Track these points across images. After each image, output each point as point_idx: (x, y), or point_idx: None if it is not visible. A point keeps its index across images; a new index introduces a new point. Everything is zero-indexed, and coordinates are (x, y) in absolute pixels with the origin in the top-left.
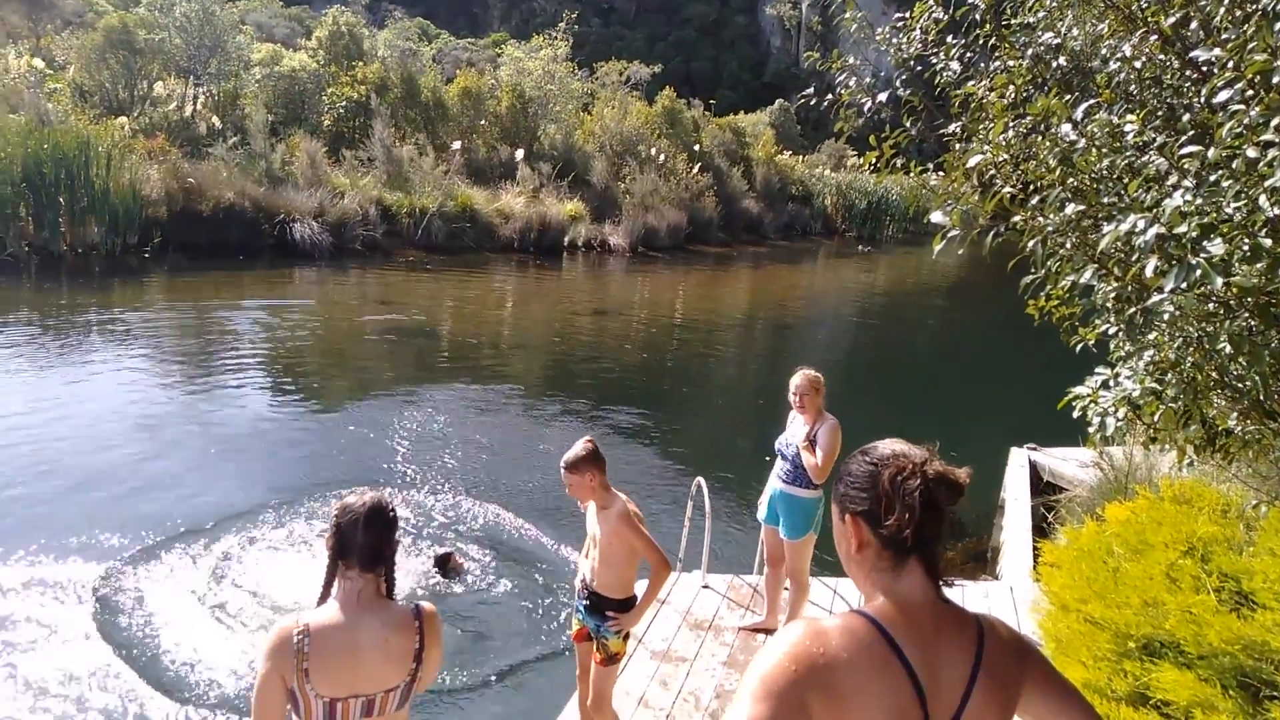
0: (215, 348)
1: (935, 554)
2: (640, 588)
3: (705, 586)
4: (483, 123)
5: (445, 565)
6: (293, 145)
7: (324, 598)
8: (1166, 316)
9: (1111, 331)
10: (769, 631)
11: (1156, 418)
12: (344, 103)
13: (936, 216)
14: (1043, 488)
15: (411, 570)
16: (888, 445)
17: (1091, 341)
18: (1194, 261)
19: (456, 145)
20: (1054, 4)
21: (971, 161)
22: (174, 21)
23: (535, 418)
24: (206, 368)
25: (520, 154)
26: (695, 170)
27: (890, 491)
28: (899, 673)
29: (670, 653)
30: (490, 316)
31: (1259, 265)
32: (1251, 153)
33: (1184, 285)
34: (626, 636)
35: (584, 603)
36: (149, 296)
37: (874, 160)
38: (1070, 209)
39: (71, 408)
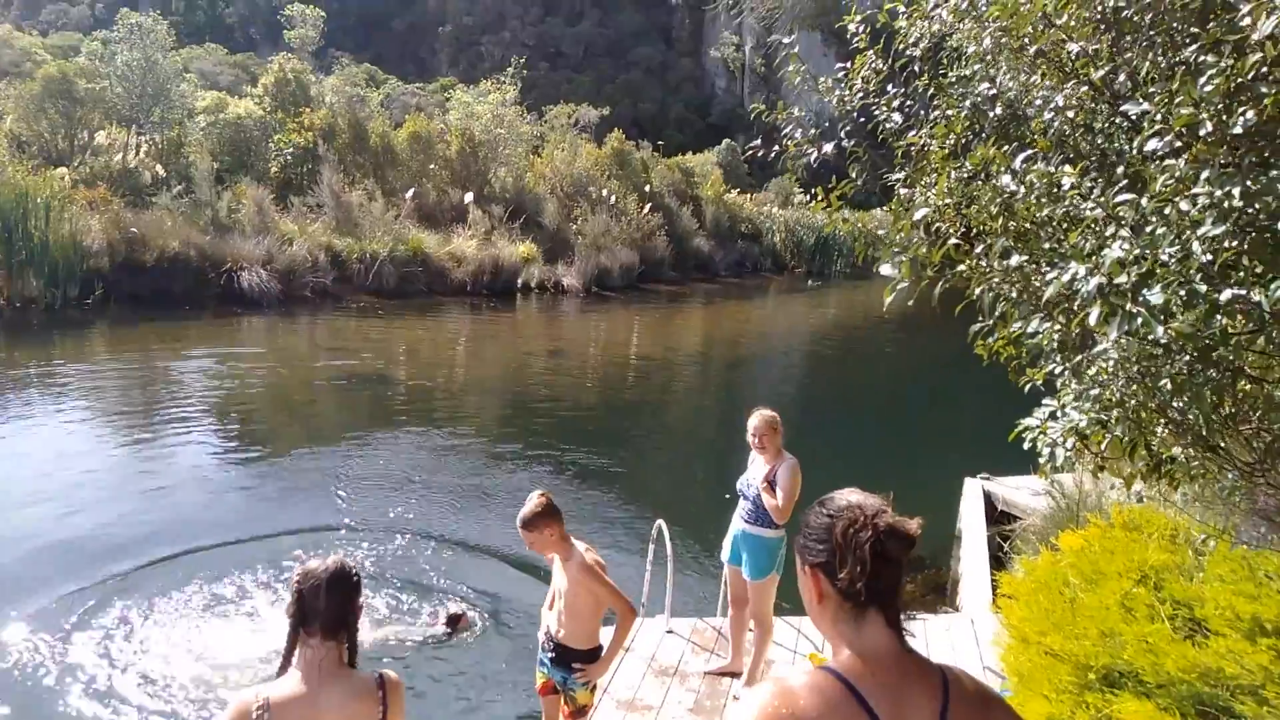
0: (160, 399)
1: (895, 605)
2: (605, 636)
3: (669, 631)
4: (432, 167)
5: (456, 624)
6: (239, 193)
7: (284, 667)
8: (1105, 362)
9: (1058, 372)
10: (734, 675)
11: (1103, 447)
12: (291, 149)
13: (886, 269)
14: (997, 517)
15: (364, 627)
16: (844, 496)
17: (1039, 381)
18: (1135, 310)
19: (410, 193)
20: (988, 57)
21: (918, 214)
22: (115, 70)
23: (493, 462)
24: (150, 420)
25: (471, 197)
26: (646, 210)
27: (843, 544)
28: None
29: (636, 701)
30: (444, 360)
31: (1197, 311)
32: (1184, 205)
33: (1127, 333)
34: (594, 688)
35: (549, 655)
36: (91, 349)
37: (821, 207)
38: (1014, 259)
39: (6, 464)
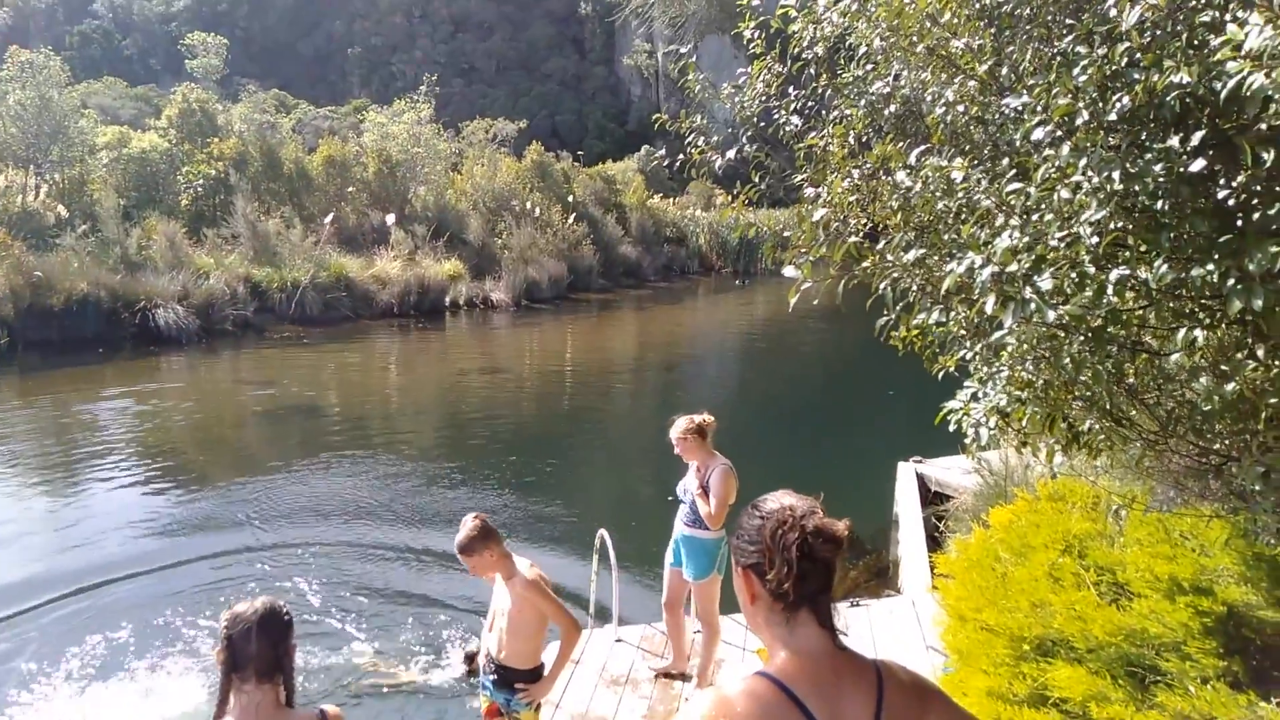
0: (76, 443)
1: (826, 605)
2: (548, 655)
3: (619, 640)
4: (350, 190)
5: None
6: (149, 228)
7: (219, 715)
8: (1011, 345)
9: (969, 357)
10: (680, 675)
11: (1024, 423)
12: (201, 180)
13: (789, 271)
14: (931, 498)
15: (314, 667)
16: (776, 499)
17: (952, 367)
18: (1027, 296)
19: (329, 217)
20: (880, 57)
21: (816, 216)
22: (7, 110)
23: (431, 483)
24: (67, 464)
25: (392, 218)
26: (571, 220)
27: (772, 545)
28: None
29: (588, 714)
30: (376, 385)
31: (1087, 292)
32: (1065, 193)
33: (1021, 319)
34: (538, 707)
35: (491, 678)
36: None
37: (730, 212)
38: (913, 253)
39: None
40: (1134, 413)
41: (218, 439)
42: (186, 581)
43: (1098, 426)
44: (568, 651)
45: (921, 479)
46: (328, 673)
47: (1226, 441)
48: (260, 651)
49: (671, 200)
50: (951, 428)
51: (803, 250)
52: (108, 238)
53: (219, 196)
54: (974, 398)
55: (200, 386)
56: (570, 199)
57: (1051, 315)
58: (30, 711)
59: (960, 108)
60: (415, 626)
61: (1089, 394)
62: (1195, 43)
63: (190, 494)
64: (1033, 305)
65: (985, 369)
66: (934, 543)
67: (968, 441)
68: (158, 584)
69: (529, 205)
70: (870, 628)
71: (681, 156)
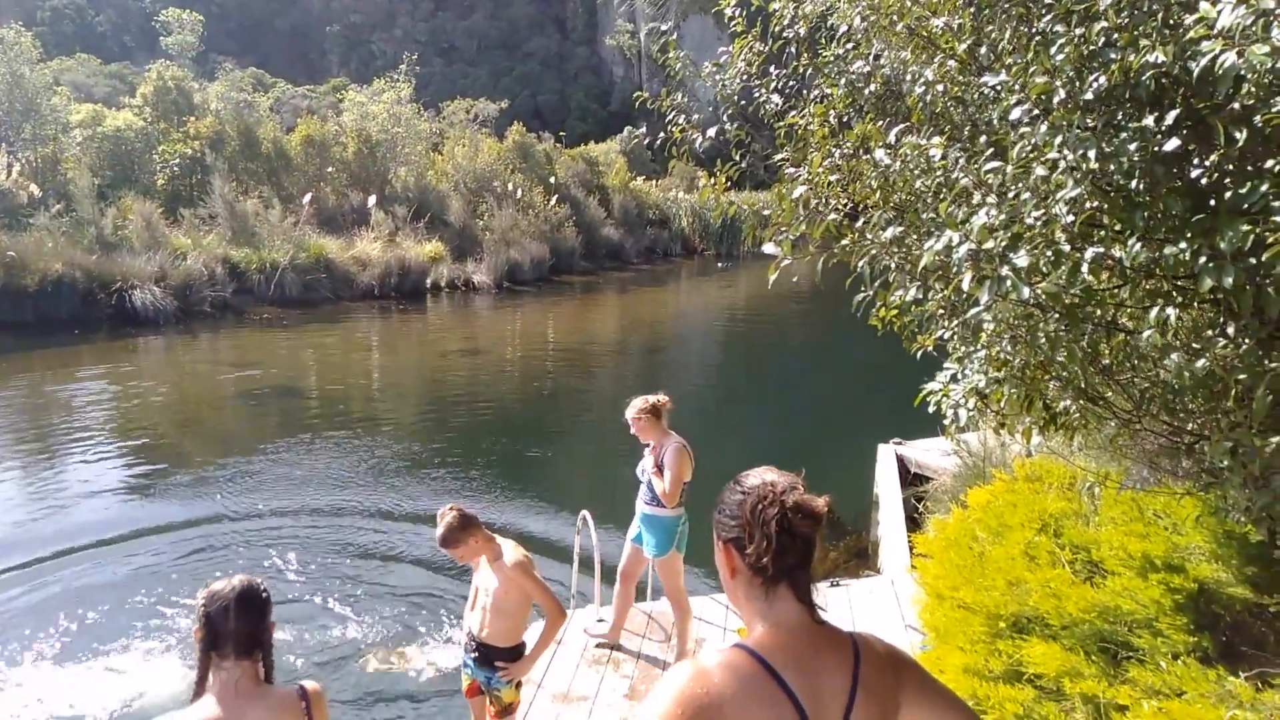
0: (51, 425)
1: (805, 579)
2: (530, 635)
3: (600, 620)
4: (330, 170)
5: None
6: (125, 208)
7: (199, 693)
8: (988, 325)
9: (947, 336)
10: (614, 646)
11: (1002, 404)
12: (178, 160)
13: (769, 248)
14: (911, 479)
15: (293, 645)
16: (758, 474)
17: (930, 346)
18: (1003, 273)
19: (308, 198)
20: (861, 36)
21: (795, 193)
22: None
23: (413, 465)
24: (43, 447)
25: (372, 199)
26: (553, 202)
27: (752, 520)
28: (783, 701)
29: (570, 693)
30: (356, 367)
31: (1062, 270)
32: (1040, 170)
33: (997, 296)
34: (519, 685)
35: (472, 656)
36: None
37: (710, 192)
38: (891, 231)
39: None
40: (1109, 392)
41: (196, 420)
42: (163, 559)
43: (1073, 406)
44: (551, 634)
45: (901, 460)
46: (307, 650)
47: (1199, 420)
48: (238, 629)
49: (654, 182)
50: (931, 409)
51: (782, 228)
52: (82, 218)
53: (196, 176)
54: (953, 379)
55: (178, 368)
56: (552, 180)
57: (1026, 292)
58: (6, 686)
59: (940, 87)
60: (396, 605)
61: (1065, 373)
62: (1170, 22)
63: (167, 474)
64: (1008, 283)
65: (963, 348)
66: (913, 523)
67: (947, 423)
68: (132, 561)
69: (511, 187)
70: (850, 607)
71: (663, 135)
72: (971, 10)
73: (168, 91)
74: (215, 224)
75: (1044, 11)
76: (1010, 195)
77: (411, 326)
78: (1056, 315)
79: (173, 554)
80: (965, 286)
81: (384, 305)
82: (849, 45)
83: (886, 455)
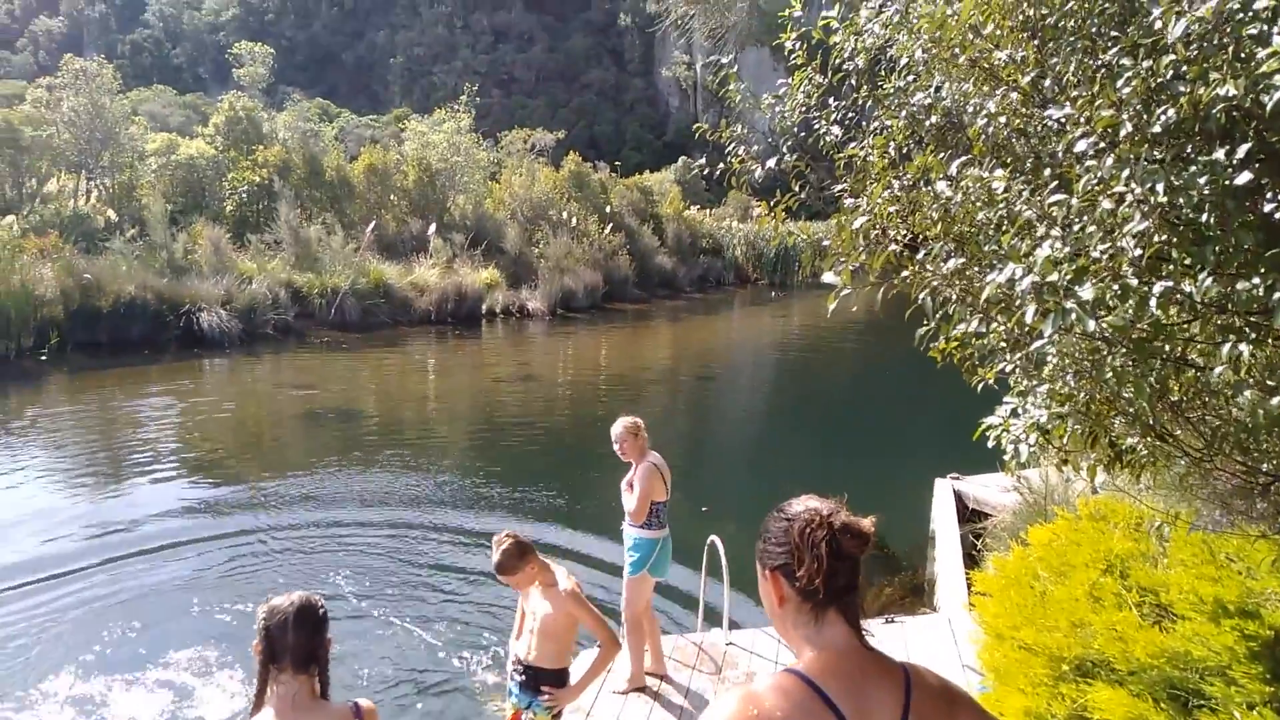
0: (121, 442)
1: (853, 604)
2: (576, 665)
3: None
4: (391, 198)
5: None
6: (195, 233)
7: (258, 706)
8: (1052, 359)
9: (1009, 369)
10: (661, 676)
11: (1065, 440)
12: (246, 187)
13: (828, 277)
14: (969, 515)
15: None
16: (801, 501)
17: (991, 380)
18: (1068, 306)
19: (370, 225)
20: (922, 68)
21: (856, 223)
22: (62, 116)
23: (467, 485)
24: (113, 465)
25: (432, 226)
26: (607, 230)
27: (800, 544)
28: None
29: None
30: (412, 390)
31: (1129, 303)
32: (1107, 204)
33: (1061, 329)
34: (558, 716)
35: (518, 681)
36: (48, 399)
37: (768, 221)
38: (953, 263)
39: None
40: (1178, 430)
41: (256, 438)
42: (219, 567)
43: (1141, 444)
44: (604, 664)
45: (959, 496)
46: (360, 667)
47: (1275, 461)
48: (296, 643)
49: (708, 211)
50: (990, 444)
51: (841, 257)
52: (155, 242)
53: (263, 203)
54: (1014, 413)
55: (241, 388)
56: (607, 209)
57: (1091, 325)
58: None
59: (1002, 119)
60: (448, 625)
61: (1132, 409)
62: (1242, 55)
63: (227, 488)
64: (1073, 315)
65: (1025, 382)
66: (971, 560)
67: (1007, 458)
68: (191, 569)
69: (566, 215)
70: (905, 645)
71: (721, 166)
72: (1035, 43)
73: (238, 121)
74: (280, 249)
75: (1109, 44)
76: (1075, 228)
77: (466, 352)
78: (1124, 350)
79: (229, 563)
80: (1029, 319)
81: (440, 330)
82: (910, 78)
83: (944, 490)
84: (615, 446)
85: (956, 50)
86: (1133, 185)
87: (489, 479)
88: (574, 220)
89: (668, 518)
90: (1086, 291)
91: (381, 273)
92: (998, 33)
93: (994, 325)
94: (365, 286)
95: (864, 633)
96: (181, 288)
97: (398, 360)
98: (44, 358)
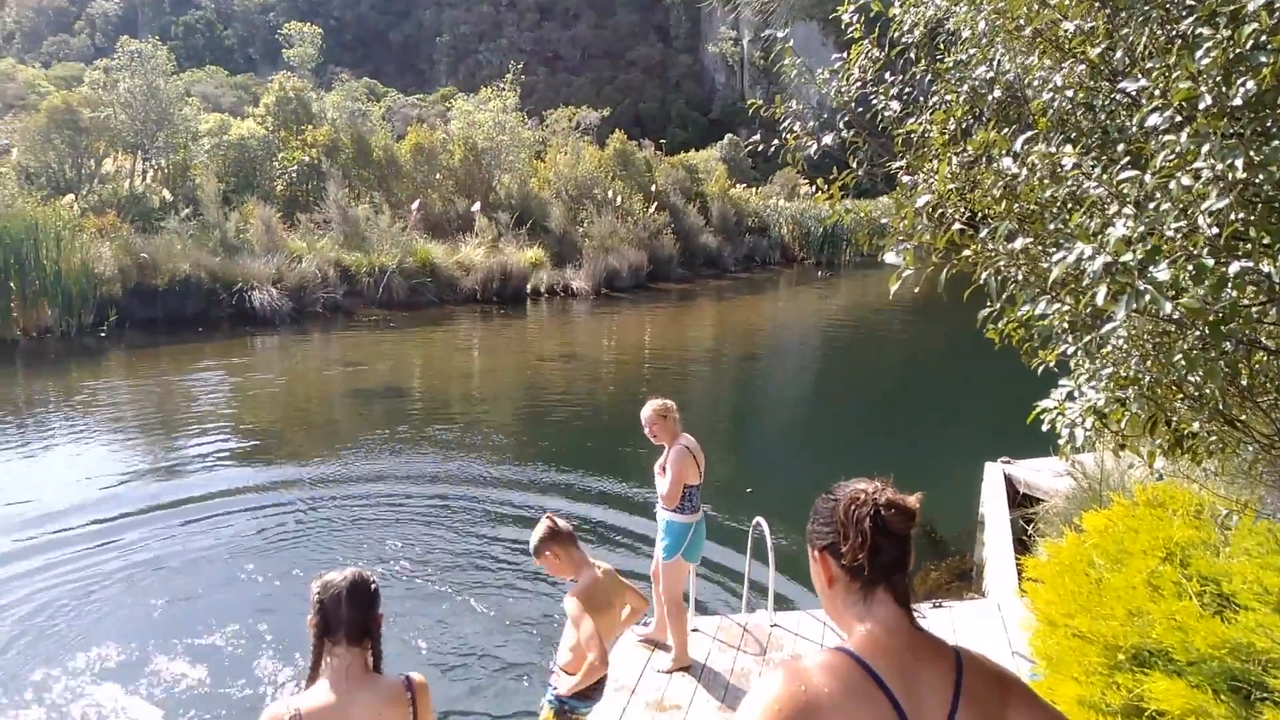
0: (177, 418)
1: (903, 584)
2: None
3: (694, 630)
4: (437, 177)
5: None
6: (246, 213)
7: (313, 678)
8: (1119, 341)
9: (1070, 351)
10: (658, 644)
11: (1123, 424)
12: (296, 166)
13: (890, 257)
14: (1020, 500)
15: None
16: (850, 483)
17: (1052, 362)
18: (1142, 287)
19: (416, 204)
20: (984, 40)
21: (920, 201)
22: (118, 98)
23: (509, 461)
24: (167, 437)
25: (477, 205)
26: (652, 209)
27: (845, 521)
28: (882, 703)
29: (664, 701)
30: (457, 368)
31: (1205, 284)
32: (1186, 180)
33: (1135, 311)
34: (563, 712)
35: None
36: (107, 374)
37: (824, 199)
38: (1019, 242)
39: (29, 489)
40: (1245, 415)
41: (305, 413)
42: (268, 539)
43: (1207, 429)
44: (586, 679)
45: (1010, 480)
46: (410, 643)
47: None
48: (350, 617)
49: (754, 189)
50: (1045, 428)
51: (902, 237)
52: (208, 221)
53: (312, 182)
54: (1070, 397)
55: (291, 365)
56: (652, 188)
57: (1169, 307)
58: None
59: (1069, 93)
60: (498, 598)
61: (1199, 394)
62: None
63: (275, 460)
64: (1148, 297)
65: (1088, 365)
66: (1021, 546)
67: (1062, 442)
68: (239, 540)
69: (611, 194)
70: (954, 630)
71: (776, 143)
72: (1106, 13)
73: (288, 101)
74: (329, 228)
75: (1184, 14)
76: (1150, 206)
77: (511, 330)
78: (1198, 332)
79: (278, 531)
80: (1100, 301)
81: (485, 309)
82: (971, 51)
83: (994, 474)
84: (646, 430)
85: (1021, 21)
86: (1210, 161)
87: (533, 456)
88: (619, 199)
89: (700, 501)
90: (1162, 272)
91: (428, 252)
92: (1065, 3)
93: (1057, 306)
94: (412, 265)
95: (914, 613)
96: (234, 266)
97: (444, 339)
98: (103, 334)
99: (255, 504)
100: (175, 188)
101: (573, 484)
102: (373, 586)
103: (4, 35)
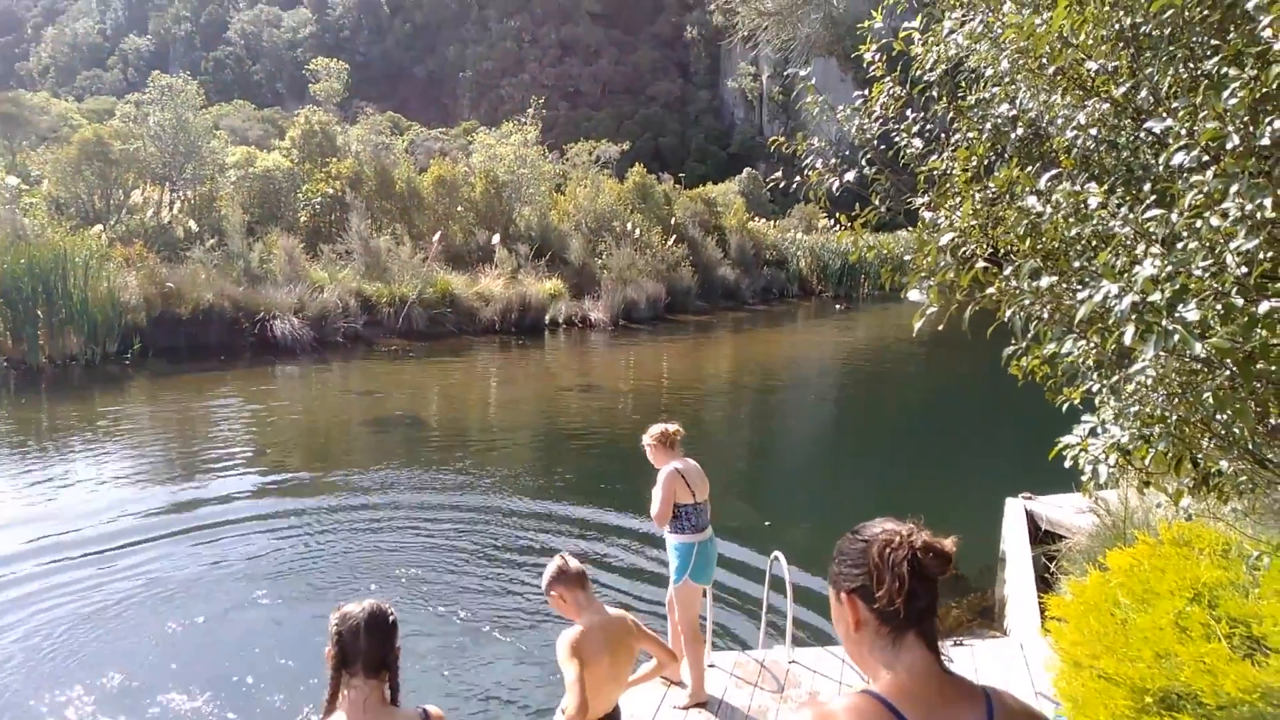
0: (197, 445)
1: (932, 626)
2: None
3: (710, 665)
4: (458, 209)
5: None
6: (270, 243)
7: (330, 709)
8: (1147, 378)
9: (1095, 389)
10: (673, 679)
11: (1148, 462)
12: (319, 198)
13: (914, 295)
14: (1041, 536)
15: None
16: (877, 523)
17: (1077, 400)
18: (1171, 327)
19: (437, 236)
20: (1006, 79)
21: (943, 240)
22: (148, 131)
23: (526, 492)
24: (188, 467)
25: (497, 237)
26: (670, 242)
27: (880, 564)
28: None
29: None
30: (477, 398)
31: (1233, 324)
32: (1215, 221)
33: (1164, 351)
34: None
35: None
36: (130, 402)
37: (846, 235)
38: (1045, 281)
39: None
40: (1274, 455)
41: (325, 441)
42: (285, 565)
43: (1235, 468)
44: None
45: (1031, 516)
46: (427, 674)
47: None
48: (368, 649)
49: (772, 223)
50: (1067, 464)
51: (924, 275)
52: (233, 251)
53: (335, 214)
54: (1092, 433)
55: (312, 393)
56: (671, 221)
57: (1198, 348)
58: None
59: (1092, 131)
60: (516, 636)
61: (1227, 433)
62: None
63: (296, 487)
64: (1176, 337)
65: (1114, 402)
66: (1043, 584)
67: (1085, 479)
68: (255, 565)
69: (629, 226)
70: (975, 669)
71: (798, 180)
72: (1130, 52)
73: (313, 134)
74: (350, 259)
75: (1209, 53)
76: (1178, 245)
77: (530, 361)
78: (1227, 372)
79: (295, 558)
80: (1127, 340)
81: (504, 340)
82: (994, 89)
83: (1015, 510)
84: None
85: (1044, 61)
86: (1239, 200)
87: (551, 486)
88: (637, 231)
89: (706, 521)
90: (1191, 312)
91: (448, 282)
92: (1089, 42)
93: (1081, 345)
94: (432, 296)
95: (943, 656)
96: (257, 296)
97: (463, 369)
98: (127, 362)
99: (273, 528)
100: (201, 218)
101: (591, 516)
102: (391, 618)
103: (39, 70)
